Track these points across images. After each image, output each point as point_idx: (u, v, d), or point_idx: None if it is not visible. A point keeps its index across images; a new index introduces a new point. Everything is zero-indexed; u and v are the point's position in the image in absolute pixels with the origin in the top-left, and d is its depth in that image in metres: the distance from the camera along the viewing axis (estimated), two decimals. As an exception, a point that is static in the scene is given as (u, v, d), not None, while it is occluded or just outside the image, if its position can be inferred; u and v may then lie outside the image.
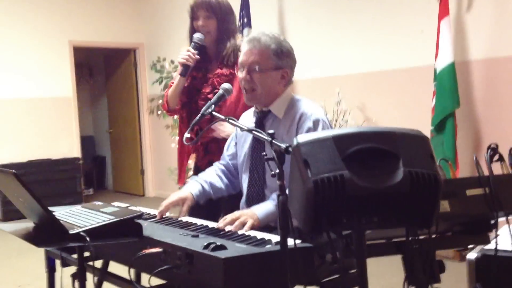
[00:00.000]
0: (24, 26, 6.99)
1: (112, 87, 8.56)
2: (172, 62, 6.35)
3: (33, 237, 1.68)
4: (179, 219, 2.09)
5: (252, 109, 2.28)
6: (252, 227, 1.91)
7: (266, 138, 1.60)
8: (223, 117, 1.96)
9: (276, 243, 1.61)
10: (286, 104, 2.17)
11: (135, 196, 8.17)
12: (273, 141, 1.55)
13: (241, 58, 2.17)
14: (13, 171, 1.58)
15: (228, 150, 2.40)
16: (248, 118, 2.30)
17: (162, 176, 7.69)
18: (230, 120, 1.91)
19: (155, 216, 2.17)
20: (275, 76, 2.12)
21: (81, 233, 1.67)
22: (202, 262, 1.51)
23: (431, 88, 4.29)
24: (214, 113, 2.03)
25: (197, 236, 1.75)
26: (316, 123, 2.07)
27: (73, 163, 7.24)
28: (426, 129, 4.34)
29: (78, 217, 1.89)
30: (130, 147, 8.22)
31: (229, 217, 1.95)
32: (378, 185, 1.10)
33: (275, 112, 2.16)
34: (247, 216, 1.94)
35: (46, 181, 6.96)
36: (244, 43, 2.18)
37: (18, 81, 6.96)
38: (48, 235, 1.69)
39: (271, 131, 1.59)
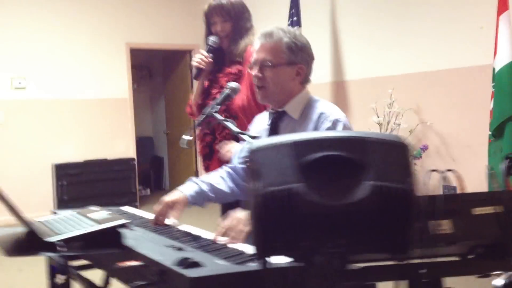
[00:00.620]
0: (82, 28, 7.16)
1: (170, 88, 8.62)
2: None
3: (8, 245, 1.59)
4: (177, 228, 1.94)
5: (266, 112, 2.11)
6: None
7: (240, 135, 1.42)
8: (222, 118, 1.81)
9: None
10: (303, 104, 1.98)
11: (190, 198, 8.17)
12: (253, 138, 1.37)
13: (254, 55, 2.01)
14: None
15: (241, 153, 2.23)
16: (262, 120, 2.13)
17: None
18: (228, 123, 1.74)
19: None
20: (289, 72, 1.94)
21: (56, 242, 1.56)
22: (173, 280, 1.35)
23: (490, 89, 3.93)
24: (215, 114, 1.88)
25: (180, 249, 1.60)
26: (335, 124, 1.88)
27: (128, 164, 7.32)
28: (485, 134, 3.98)
29: (64, 223, 1.79)
30: (185, 149, 8.20)
31: (224, 226, 1.78)
32: (337, 201, 0.90)
33: (290, 113, 1.97)
34: (242, 227, 1.74)
35: (102, 180, 7.09)
36: (256, 39, 2.02)
37: (76, 82, 7.13)
38: (24, 243, 1.59)
39: (255, 134, 1.41)
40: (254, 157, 0.98)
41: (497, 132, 3.83)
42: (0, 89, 6.66)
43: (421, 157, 4.59)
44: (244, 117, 2.51)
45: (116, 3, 7.40)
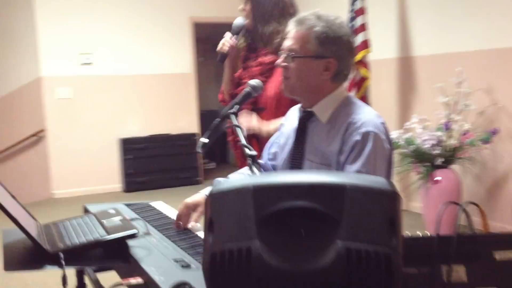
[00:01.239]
0: (147, 3, 7.16)
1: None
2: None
3: (10, 256, 1.55)
4: (198, 234, 1.84)
5: (299, 105, 1.94)
6: None
7: (248, 157, 1.29)
8: (237, 123, 1.67)
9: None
10: (334, 107, 1.76)
11: (253, 173, 8.13)
12: (252, 166, 1.23)
13: (284, 42, 1.84)
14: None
15: (270, 148, 2.09)
16: (294, 116, 1.96)
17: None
18: (237, 129, 1.60)
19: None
20: (315, 66, 1.73)
21: (59, 253, 1.51)
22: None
23: None
24: (231, 115, 1.74)
25: (188, 266, 1.50)
26: (365, 137, 1.65)
27: (190, 139, 7.36)
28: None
29: (77, 229, 1.75)
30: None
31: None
32: (298, 267, 0.74)
33: (318, 115, 1.78)
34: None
35: (166, 155, 7.19)
36: (290, 25, 1.84)
37: (140, 57, 7.19)
38: (27, 254, 1.55)
39: (253, 153, 1.27)
40: (210, 204, 0.85)
41: None
42: (69, 65, 6.84)
43: (491, 141, 4.22)
44: (275, 109, 2.36)
45: (179, -23, 7.34)
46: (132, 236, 1.61)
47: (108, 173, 7.12)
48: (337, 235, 0.76)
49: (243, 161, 2.57)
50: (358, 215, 0.77)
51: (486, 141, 4.21)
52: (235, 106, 1.79)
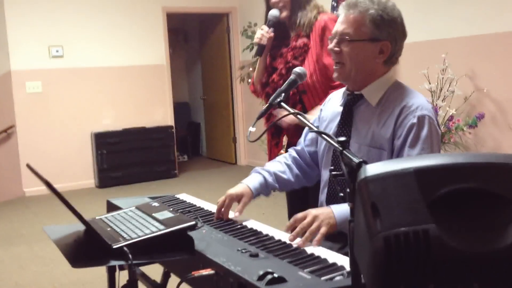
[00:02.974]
0: (118, -6, 7.00)
1: (206, 53, 8.44)
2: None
3: (72, 252, 1.49)
4: (243, 224, 1.82)
5: (343, 90, 1.91)
6: (327, 234, 1.61)
7: (336, 146, 1.27)
8: (292, 110, 1.65)
9: (349, 273, 1.30)
10: (384, 90, 1.76)
11: (227, 164, 8.10)
12: (344, 151, 1.21)
13: (335, 27, 1.82)
14: (46, 179, 1.38)
15: (308, 134, 2.08)
16: (336, 100, 1.95)
17: (254, 145, 7.51)
18: (299, 116, 1.59)
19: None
20: (371, 49, 1.72)
21: (124, 248, 1.46)
22: (256, 297, 1.25)
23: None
24: (282, 104, 1.72)
25: (256, 255, 1.48)
26: (421, 120, 1.66)
27: (166, 132, 7.25)
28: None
29: (128, 223, 1.69)
30: (223, 115, 8.10)
31: (299, 223, 1.65)
32: (481, 247, 0.75)
33: (368, 98, 1.77)
34: (320, 222, 1.62)
35: (141, 148, 7.06)
36: (340, 9, 1.82)
37: (112, 49, 7.02)
38: (89, 249, 1.49)
39: (342, 139, 1.25)
40: (368, 188, 0.83)
41: None
42: (38, 58, 6.60)
43: (476, 126, 4.35)
44: (313, 90, 2.41)
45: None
46: (192, 227, 1.58)
47: (81, 169, 6.93)
48: (512, 215, 0.76)
49: (278, 140, 2.61)
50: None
51: (473, 125, 4.33)
52: (282, 94, 1.76)
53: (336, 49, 1.76)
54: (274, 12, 2.52)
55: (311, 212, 1.65)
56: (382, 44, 1.72)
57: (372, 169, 0.85)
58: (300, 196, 2.33)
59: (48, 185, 1.36)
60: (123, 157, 6.95)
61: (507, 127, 4.34)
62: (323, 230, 1.61)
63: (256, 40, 2.53)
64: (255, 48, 2.59)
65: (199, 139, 9.18)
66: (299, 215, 1.66)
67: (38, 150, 6.63)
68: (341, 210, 1.65)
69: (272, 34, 2.52)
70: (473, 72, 4.50)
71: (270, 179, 1.96)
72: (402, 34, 1.76)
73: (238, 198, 1.88)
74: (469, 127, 4.35)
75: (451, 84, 4.47)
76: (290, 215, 2.74)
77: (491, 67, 4.39)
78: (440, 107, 4.44)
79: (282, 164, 2.03)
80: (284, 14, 2.52)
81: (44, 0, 6.58)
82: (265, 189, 1.95)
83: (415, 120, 1.66)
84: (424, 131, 1.65)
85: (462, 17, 4.57)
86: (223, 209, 1.88)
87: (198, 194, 2.47)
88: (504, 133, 4.36)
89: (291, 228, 1.64)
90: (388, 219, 0.79)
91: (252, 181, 1.93)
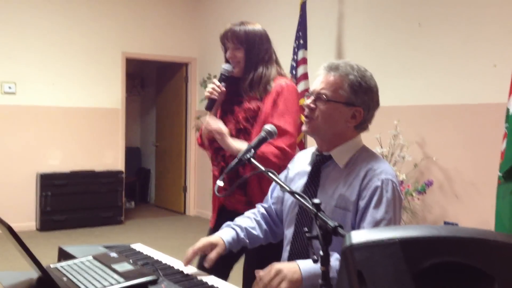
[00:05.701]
0: (77, 36, 6.96)
1: (162, 100, 8.44)
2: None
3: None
4: (204, 280, 1.78)
5: (311, 149, 1.96)
6: None
7: (310, 208, 1.28)
8: (263, 168, 1.66)
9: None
10: (351, 153, 1.81)
11: (175, 213, 7.97)
12: (319, 214, 1.23)
13: (313, 85, 1.87)
14: (7, 224, 1.32)
15: (274, 192, 2.09)
16: (304, 159, 1.98)
17: (204, 195, 7.46)
18: (269, 174, 1.60)
19: (177, 272, 1.87)
20: (345, 112, 1.77)
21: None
22: None
23: (502, 129, 3.84)
24: (252, 160, 1.73)
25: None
26: (385, 183, 1.70)
27: (116, 176, 7.11)
28: (493, 174, 3.90)
29: (85, 273, 1.62)
30: (174, 163, 8.04)
31: (263, 277, 1.62)
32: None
33: (336, 159, 1.81)
34: (283, 277, 1.59)
35: (88, 193, 6.87)
36: (320, 69, 1.88)
37: (68, 89, 6.92)
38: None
39: (316, 201, 1.26)
40: (354, 256, 0.84)
41: (507, 175, 3.74)
42: (-12, 92, 6.42)
43: (425, 192, 4.49)
44: None
45: (112, 12, 7.21)
46: (153, 282, 1.53)
47: (23, 209, 6.65)
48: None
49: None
50: (509, 272, 0.80)
51: (422, 191, 4.47)
52: (251, 150, 1.78)
53: (312, 105, 1.80)
54: (226, 67, 2.48)
55: (274, 266, 1.63)
56: (356, 110, 1.78)
57: (358, 236, 0.86)
58: (258, 249, 2.29)
59: (10, 229, 1.30)
60: (68, 200, 6.73)
61: (453, 196, 4.50)
62: (284, 285, 1.58)
63: (206, 94, 2.47)
64: (206, 101, 2.52)
65: (148, 186, 9.03)
66: (262, 271, 1.64)
67: (-22, 187, 6.34)
68: (308, 266, 1.62)
69: (223, 89, 2.46)
70: (423, 140, 4.68)
71: (241, 234, 1.96)
72: (376, 104, 1.83)
73: (212, 247, 1.86)
74: (418, 193, 4.49)
75: (402, 149, 4.63)
76: (246, 268, 2.66)
77: (440, 136, 4.59)
78: (390, 171, 4.57)
79: (252, 220, 2.03)
80: (236, 70, 2.47)
81: (1, 34, 6.46)
82: (236, 244, 1.94)
83: (379, 183, 1.71)
84: (388, 194, 1.70)
85: (414, 87, 4.80)
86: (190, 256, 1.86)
87: (144, 242, 2.41)
88: (451, 202, 4.51)
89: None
90: (374, 288, 0.80)
91: (225, 235, 1.92)
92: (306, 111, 1.83)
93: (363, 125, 1.82)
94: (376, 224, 1.65)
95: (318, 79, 1.83)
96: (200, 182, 7.79)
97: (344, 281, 0.85)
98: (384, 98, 5.09)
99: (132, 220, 7.46)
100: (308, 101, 1.83)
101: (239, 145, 2.35)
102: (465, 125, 4.41)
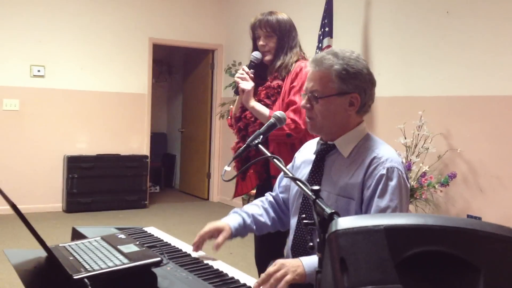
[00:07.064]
0: (107, 20, 7.03)
1: (189, 86, 8.47)
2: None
3: (31, 279, 1.44)
4: (210, 264, 1.79)
5: (317, 139, 1.96)
6: (293, 282, 1.59)
7: (309, 194, 1.27)
8: (268, 153, 1.66)
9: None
10: (356, 142, 1.80)
11: (199, 199, 8.03)
12: (317, 200, 1.21)
13: (305, 83, 1.87)
14: (12, 202, 1.35)
15: (282, 181, 2.10)
16: (310, 149, 1.98)
17: (228, 182, 7.47)
18: (275, 160, 1.59)
19: (185, 255, 1.89)
20: (341, 102, 1.76)
21: (85, 279, 1.42)
22: None
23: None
24: (260, 146, 1.73)
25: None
26: (391, 172, 1.69)
27: (141, 161, 7.19)
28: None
29: (91, 253, 1.65)
30: (199, 149, 8.09)
31: (267, 271, 1.63)
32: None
33: (340, 149, 1.81)
34: (286, 269, 1.60)
35: (113, 176, 6.97)
36: (308, 65, 1.88)
37: (96, 74, 7.01)
38: (49, 278, 1.45)
39: (316, 187, 1.25)
40: (338, 242, 0.83)
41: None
42: (18, 76, 6.55)
43: (448, 184, 4.42)
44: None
45: (142, -3, 7.26)
46: (157, 264, 1.55)
47: (50, 191, 6.80)
48: (479, 283, 0.77)
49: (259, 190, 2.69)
50: (497, 263, 0.78)
51: (444, 184, 4.39)
52: (260, 136, 1.78)
53: (308, 105, 1.80)
54: (256, 55, 2.66)
55: (279, 260, 1.65)
56: (351, 97, 1.76)
57: (344, 222, 0.85)
58: (267, 237, 2.31)
59: (14, 207, 1.33)
60: (94, 183, 6.85)
61: (477, 189, 4.41)
62: (288, 277, 1.58)
63: (237, 79, 2.65)
64: (235, 86, 2.72)
65: (173, 171, 9.11)
66: (271, 268, 1.65)
67: (9, 169, 6.50)
68: (311, 261, 1.63)
69: (252, 76, 2.64)
70: (448, 131, 4.59)
71: (248, 221, 1.97)
72: (371, 83, 1.79)
73: (219, 231, 1.88)
74: (441, 185, 4.41)
75: (426, 141, 4.55)
76: (257, 256, 2.72)
77: (465, 128, 4.49)
78: (414, 163, 4.50)
79: (259, 207, 2.05)
80: (267, 58, 2.66)
81: (31, 19, 6.58)
82: (243, 230, 1.96)
83: (384, 171, 1.69)
84: (393, 182, 1.67)
85: (440, 77, 4.70)
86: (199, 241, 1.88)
87: (167, 227, 2.45)
88: (475, 195, 4.43)
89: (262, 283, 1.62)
90: (356, 275, 0.79)
91: (232, 221, 1.93)
92: (306, 112, 1.84)
93: (364, 107, 1.81)
94: (381, 212, 1.64)
95: (307, 78, 1.83)
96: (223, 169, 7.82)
97: (327, 267, 0.84)
98: (409, 88, 5.04)
99: (156, 205, 7.55)
100: (303, 102, 1.84)
101: (260, 107, 2.59)
102: (491, 117, 4.31)
